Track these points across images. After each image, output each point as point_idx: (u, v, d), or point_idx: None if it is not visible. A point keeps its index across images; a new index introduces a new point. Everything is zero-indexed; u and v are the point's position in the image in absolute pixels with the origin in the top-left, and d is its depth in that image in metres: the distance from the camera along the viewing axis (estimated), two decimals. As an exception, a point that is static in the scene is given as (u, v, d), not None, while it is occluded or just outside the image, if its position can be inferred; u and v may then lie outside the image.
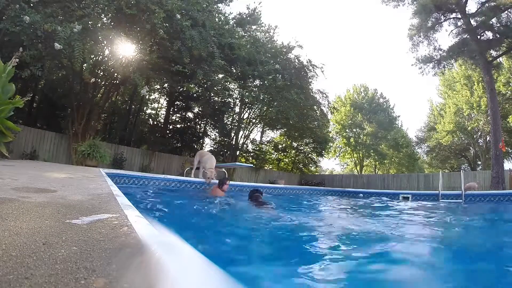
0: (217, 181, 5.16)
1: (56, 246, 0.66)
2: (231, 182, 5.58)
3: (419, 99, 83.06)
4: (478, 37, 13.91)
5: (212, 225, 2.71)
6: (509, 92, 19.74)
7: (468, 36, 14.24)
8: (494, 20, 13.44)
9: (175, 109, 17.10)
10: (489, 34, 14.06)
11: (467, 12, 14.15)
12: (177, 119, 17.45)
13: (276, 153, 21.86)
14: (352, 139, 28.28)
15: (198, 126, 18.09)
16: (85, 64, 7.25)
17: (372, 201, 6.45)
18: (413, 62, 16.48)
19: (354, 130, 28.68)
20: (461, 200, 5.73)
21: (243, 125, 17.09)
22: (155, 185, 5.46)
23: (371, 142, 27.68)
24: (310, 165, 23.39)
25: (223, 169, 10.22)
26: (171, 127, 17.17)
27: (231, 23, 13.27)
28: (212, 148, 17.85)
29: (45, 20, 6.55)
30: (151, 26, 7.94)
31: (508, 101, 19.91)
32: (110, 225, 0.91)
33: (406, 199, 6.65)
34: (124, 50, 8.63)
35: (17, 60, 4.84)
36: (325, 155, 23.81)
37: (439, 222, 3.39)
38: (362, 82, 32.37)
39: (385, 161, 28.78)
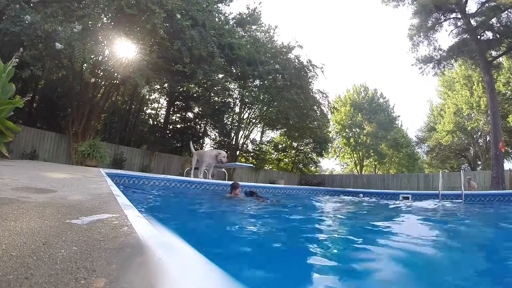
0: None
1: (56, 246, 0.66)
2: (230, 182, 5.58)
3: (419, 99, 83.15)
4: (478, 37, 13.92)
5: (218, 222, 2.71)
6: (509, 92, 19.75)
7: (468, 36, 14.25)
8: (494, 20, 13.45)
9: (175, 109, 17.09)
10: (489, 34, 14.08)
11: (467, 12, 14.16)
12: (177, 119, 17.45)
13: (276, 153, 21.87)
14: (352, 139, 28.28)
15: (198, 126, 18.09)
16: (85, 64, 7.25)
17: (372, 201, 6.45)
18: (413, 62, 16.54)
19: (354, 130, 28.68)
20: (461, 200, 5.73)
21: (243, 125, 17.09)
22: (155, 185, 5.46)
23: (371, 142, 27.68)
24: (310, 165, 23.41)
25: (223, 169, 10.23)
26: (171, 127, 17.17)
27: (231, 23, 13.28)
28: (212, 148, 17.85)
29: (45, 20, 6.55)
30: (152, 26, 7.94)
31: (508, 101, 19.92)
32: (110, 225, 0.91)
33: (406, 199, 6.65)
34: (124, 50, 8.62)
35: (17, 60, 4.85)
36: (325, 155, 23.82)
37: (439, 222, 3.39)
38: (362, 82, 32.38)
39: (385, 161, 28.78)
